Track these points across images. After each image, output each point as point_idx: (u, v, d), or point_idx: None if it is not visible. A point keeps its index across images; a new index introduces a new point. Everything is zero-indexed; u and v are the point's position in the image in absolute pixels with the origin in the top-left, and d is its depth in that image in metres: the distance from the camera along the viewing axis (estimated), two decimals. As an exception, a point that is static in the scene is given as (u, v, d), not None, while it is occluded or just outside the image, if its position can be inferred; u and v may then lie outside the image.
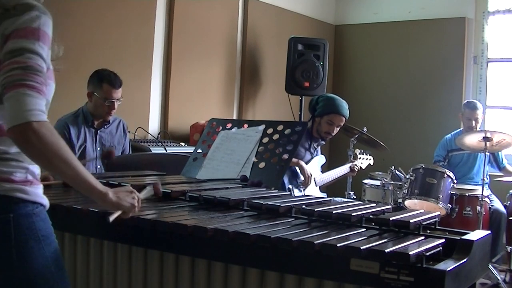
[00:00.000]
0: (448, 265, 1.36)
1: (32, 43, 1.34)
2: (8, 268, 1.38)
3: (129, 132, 3.75)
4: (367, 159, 4.36)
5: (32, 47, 1.34)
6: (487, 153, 4.08)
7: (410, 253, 1.34)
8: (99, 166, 3.33)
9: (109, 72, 3.28)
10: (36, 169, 1.46)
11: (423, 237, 1.56)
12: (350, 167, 4.15)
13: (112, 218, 1.54)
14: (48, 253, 1.45)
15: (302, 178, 3.74)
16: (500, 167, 4.70)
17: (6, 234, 1.37)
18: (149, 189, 1.83)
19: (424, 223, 1.64)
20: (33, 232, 1.42)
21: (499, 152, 4.60)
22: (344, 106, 3.87)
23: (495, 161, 4.69)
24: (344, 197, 4.19)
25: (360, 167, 4.26)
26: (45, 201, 1.49)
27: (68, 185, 1.72)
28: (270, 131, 2.56)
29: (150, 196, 1.85)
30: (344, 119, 3.88)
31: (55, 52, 1.51)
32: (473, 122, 4.63)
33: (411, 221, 1.60)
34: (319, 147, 4.09)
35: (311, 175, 3.76)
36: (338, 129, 3.91)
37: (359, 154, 4.29)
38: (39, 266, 1.42)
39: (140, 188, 1.81)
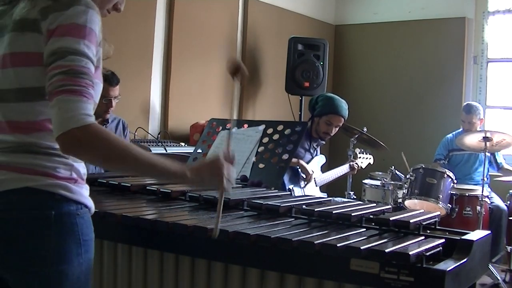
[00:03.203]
0: (448, 265, 1.36)
1: (77, 41, 1.26)
2: (43, 266, 1.31)
3: (129, 132, 3.75)
4: (367, 158, 4.36)
5: (76, 46, 1.26)
6: (488, 154, 4.08)
7: (410, 253, 1.34)
8: (99, 166, 3.33)
9: (106, 70, 3.27)
10: (81, 168, 1.40)
11: (423, 237, 1.56)
12: (349, 165, 4.15)
13: (216, 232, 1.41)
14: (84, 260, 1.36)
15: (304, 176, 3.74)
16: (499, 167, 4.70)
17: (46, 232, 1.30)
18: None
19: (424, 223, 1.64)
20: (75, 234, 1.33)
21: (497, 152, 4.60)
22: (343, 106, 3.86)
23: (495, 161, 4.69)
24: (344, 197, 4.19)
25: (360, 167, 4.26)
26: (90, 203, 1.40)
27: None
28: (270, 131, 2.56)
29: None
30: (342, 119, 3.86)
31: (106, 51, 1.43)
32: (467, 126, 4.64)
33: (411, 221, 1.60)
34: (319, 147, 4.09)
35: (312, 172, 3.76)
36: (337, 129, 3.90)
37: (359, 153, 4.29)
38: (73, 271, 1.33)
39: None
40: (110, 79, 3.26)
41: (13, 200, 1.30)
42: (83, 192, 1.39)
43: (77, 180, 1.37)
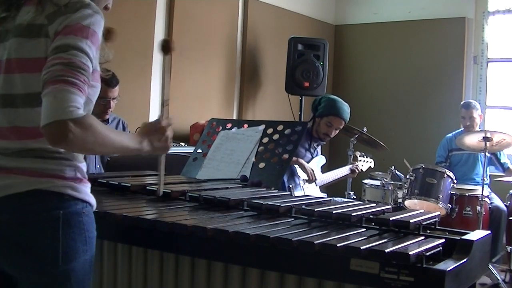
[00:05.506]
0: (448, 265, 1.36)
1: (80, 40, 1.30)
2: (53, 265, 1.34)
3: (129, 132, 3.75)
4: (367, 162, 4.36)
5: (79, 44, 1.29)
6: (488, 154, 4.08)
7: (410, 253, 1.34)
8: (98, 166, 3.33)
9: (105, 74, 3.26)
10: (84, 167, 1.44)
11: (423, 237, 1.56)
12: (350, 168, 4.15)
13: (160, 191, 1.61)
14: (89, 256, 1.41)
15: (304, 175, 3.74)
16: (504, 168, 4.67)
17: (55, 232, 1.34)
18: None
19: (424, 223, 1.64)
20: (81, 232, 1.38)
21: (500, 152, 4.59)
22: (345, 109, 3.87)
23: (498, 162, 4.67)
24: (344, 197, 4.19)
25: (361, 170, 4.26)
26: (93, 201, 1.45)
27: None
28: (270, 131, 2.56)
29: None
30: (343, 122, 3.88)
31: (106, 55, 1.50)
32: (468, 121, 4.64)
33: (411, 221, 1.60)
34: (319, 147, 4.09)
35: (313, 171, 3.76)
36: (337, 131, 3.91)
37: (359, 156, 4.29)
38: (80, 269, 1.38)
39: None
40: (108, 80, 3.24)
41: (23, 203, 1.33)
42: (87, 190, 1.43)
43: (82, 179, 1.41)
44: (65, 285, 1.36)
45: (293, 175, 3.76)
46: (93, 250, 1.43)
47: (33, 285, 1.36)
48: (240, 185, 2.31)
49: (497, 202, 4.30)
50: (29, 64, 1.35)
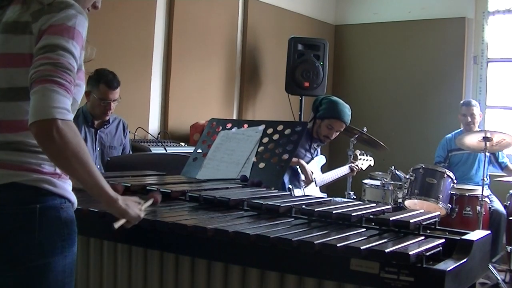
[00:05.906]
0: (448, 265, 1.36)
1: (66, 41, 1.33)
2: (28, 259, 1.35)
3: (129, 132, 3.75)
4: (367, 160, 4.36)
5: (65, 44, 1.33)
6: (487, 154, 4.08)
7: (410, 253, 1.34)
8: (98, 166, 3.33)
9: (107, 73, 3.26)
10: None
11: (423, 237, 1.56)
12: (349, 167, 4.15)
13: (117, 225, 1.51)
14: (68, 253, 1.41)
15: (303, 177, 3.74)
16: (502, 167, 4.69)
17: (31, 226, 1.34)
18: (150, 202, 1.76)
19: (424, 223, 1.64)
20: (59, 227, 1.39)
21: (499, 152, 4.60)
22: (347, 112, 3.85)
23: (496, 161, 4.68)
24: (344, 197, 4.19)
25: (361, 168, 4.26)
26: (74, 198, 1.45)
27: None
28: (270, 131, 2.56)
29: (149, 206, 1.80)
30: (344, 125, 3.87)
31: (88, 54, 1.52)
32: (469, 118, 4.64)
33: (411, 221, 1.60)
34: (319, 147, 4.09)
35: (312, 173, 3.76)
36: (337, 134, 3.91)
37: (359, 155, 4.29)
38: (57, 264, 1.38)
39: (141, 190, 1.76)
40: (109, 82, 3.24)
41: (0, 196, 1.34)
42: (67, 187, 1.43)
43: (61, 175, 1.41)
44: (41, 280, 1.36)
45: (294, 175, 3.75)
46: (74, 248, 1.44)
47: (9, 279, 1.35)
48: (240, 185, 2.31)
49: (497, 205, 4.30)
50: (13, 59, 1.38)
